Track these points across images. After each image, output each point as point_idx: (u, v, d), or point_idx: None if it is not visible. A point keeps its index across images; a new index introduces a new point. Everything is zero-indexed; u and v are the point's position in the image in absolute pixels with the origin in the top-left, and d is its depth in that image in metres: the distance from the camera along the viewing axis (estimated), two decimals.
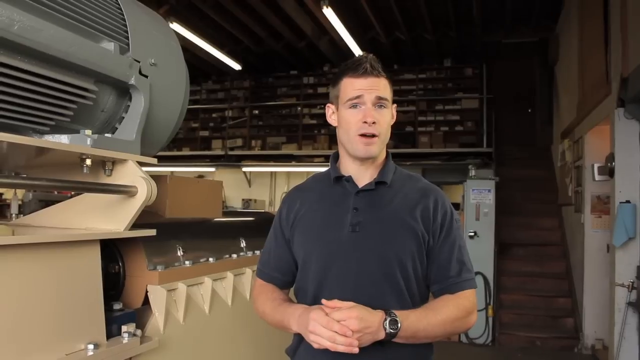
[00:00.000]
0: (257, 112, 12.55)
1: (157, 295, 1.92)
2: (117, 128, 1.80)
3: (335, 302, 1.40)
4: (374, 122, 1.51)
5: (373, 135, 1.52)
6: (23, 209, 6.52)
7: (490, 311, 6.91)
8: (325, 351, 1.36)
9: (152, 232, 1.82)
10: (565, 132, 7.68)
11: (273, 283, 1.70)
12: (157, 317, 1.90)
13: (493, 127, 10.28)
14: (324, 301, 1.42)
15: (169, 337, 1.92)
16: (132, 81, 1.71)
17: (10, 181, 1.32)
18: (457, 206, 11.88)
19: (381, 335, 1.38)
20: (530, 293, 7.36)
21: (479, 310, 6.78)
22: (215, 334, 2.24)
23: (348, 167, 1.62)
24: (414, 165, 10.60)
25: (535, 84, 10.59)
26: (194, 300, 2.12)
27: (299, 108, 12.08)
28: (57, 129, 1.61)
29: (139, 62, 1.74)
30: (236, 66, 11.17)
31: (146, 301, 1.95)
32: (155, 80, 1.79)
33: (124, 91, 1.77)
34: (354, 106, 1.53)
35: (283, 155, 11.28)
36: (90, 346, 1.54)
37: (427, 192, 1.59)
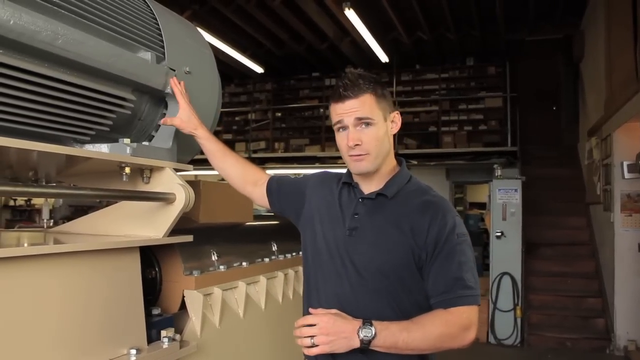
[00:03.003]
0: (279, 114, 12.62)
1: (194, 300, 1.94)
2: (153, 136, 1.83)
3: (319, 310, 1.51)
4: (357, 145, 1.54)
5: (360, 155, 1.56)
6: (54, 215, 6.65)
7: (518, 312, 6.85)
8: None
9: (189, 237, 1.85)
10: (592, 130, 7.58)
11: (268, 180, 1.89)
12: (194, 322, 1.92)
13: (517, 125, 10.20)
14: (310, 309, 1.54)
15: (206, 342, 1.94)
16: (168, 90, 1.74)
17: (57, 191, 1.36)
18: (482, 206, 11.81)
19: (356, 343, 1.41)
20: (559, 293, 7.28)
21: (506, 311, 6.82)
22: (249, 337, 2.26)
23: (355, 176, 1.68)
24: (438, 166, 10.58)
25: (560, 81, 10.45)
26: (229, 305, 2.15)
27: (322, 110, 12.11)
28: (96, 138, 1.64)
29: (174, 70, 1.77)
30: (258, 69, 11.25)
31: (182, 306, 1.98)
32: (190, 88, 1.81)
33: (159, 99, 1.80)
34: (341, 129, 1.59)
35: (306, 157, 11.32)
36: (133, 351, 1.57)
37: (428, 205, 1.57)
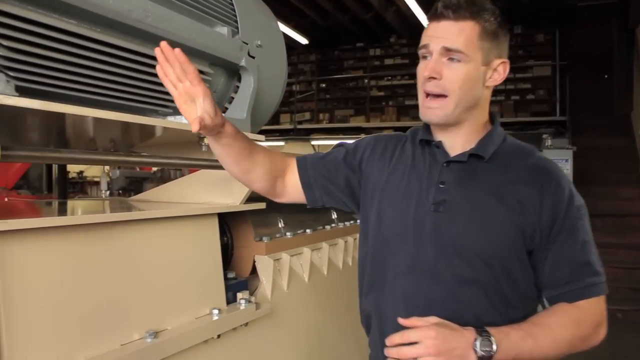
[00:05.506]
0: (324, 85, 12.63)
1: (265, 265, 2.03)
2: (226, 108, 1.91)
3: (414, 320, 1.18)
4: (432, 77, 1.20)
5: (436, 96, 1.22)
6: (111, 185, 6.87)
7: None
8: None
9: (263, 205, 1.93)
10: None
11: (299, 166, 1.46)
12: (265, 286, 2.02)
13: (567, 94, 9.96)
14: (400, 320, 1.20)
15: (275, 304, 2.04)
16: (242, 63, 1.81)
17: (151, 160, 1.44)
18: None
19: None
20: (610, 264, 7.16)
21: None
22: (313, 301, 2.35)
23: (436, 130, 1.33)
24: None
25: (613, 48, 10.14)
26: (295, 270, 2.24)
27: (366, 80, 12.07)
28: (176, 110, 1.72)
29: (247, 44, 1.83)
30: (303, 40, 11.24)
31: (252, 270, 2.08)
32: (261, 61, 1.88)
33: (233, 72, 1.87)
34: (424, 57, 1.25)
35: (351, 127, 11.34)
36: (215, 311, 1.67)
37: (538, 171, 1.25)
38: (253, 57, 1.85)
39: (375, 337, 1.34)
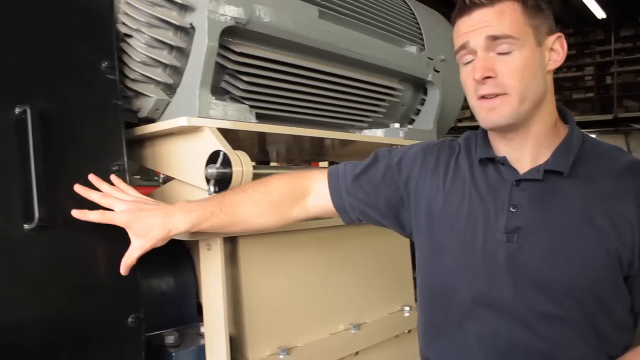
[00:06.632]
0: None
1: None
2: (412, 119, 2.05)
3: None
4: (487, 77, 1.00)
5: (496, 95, 1.01)
6: None
7: None
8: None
9: None
10: None
11: (331, 189, 1.28)
12: None
13: None
14: None
15: None
16: (429, 78, 1.94)
17: None
18: None
19: None
20: None
21: None
22: None
23: (497, 143, 1.12)
24: None
25: None
26: None
27: None
28: (371, 124, 1.89)
29: (432, 59, 1.96)
30: None
31: None
32: (446, 75, 1.99)
33: (419, 86, 2.01)
34: (465, 62, 1.06)
35: None
36: (406, 308, 1.82)
37: (632, 178, 1.02)
38: (438, 72, 1.97)
39: None
